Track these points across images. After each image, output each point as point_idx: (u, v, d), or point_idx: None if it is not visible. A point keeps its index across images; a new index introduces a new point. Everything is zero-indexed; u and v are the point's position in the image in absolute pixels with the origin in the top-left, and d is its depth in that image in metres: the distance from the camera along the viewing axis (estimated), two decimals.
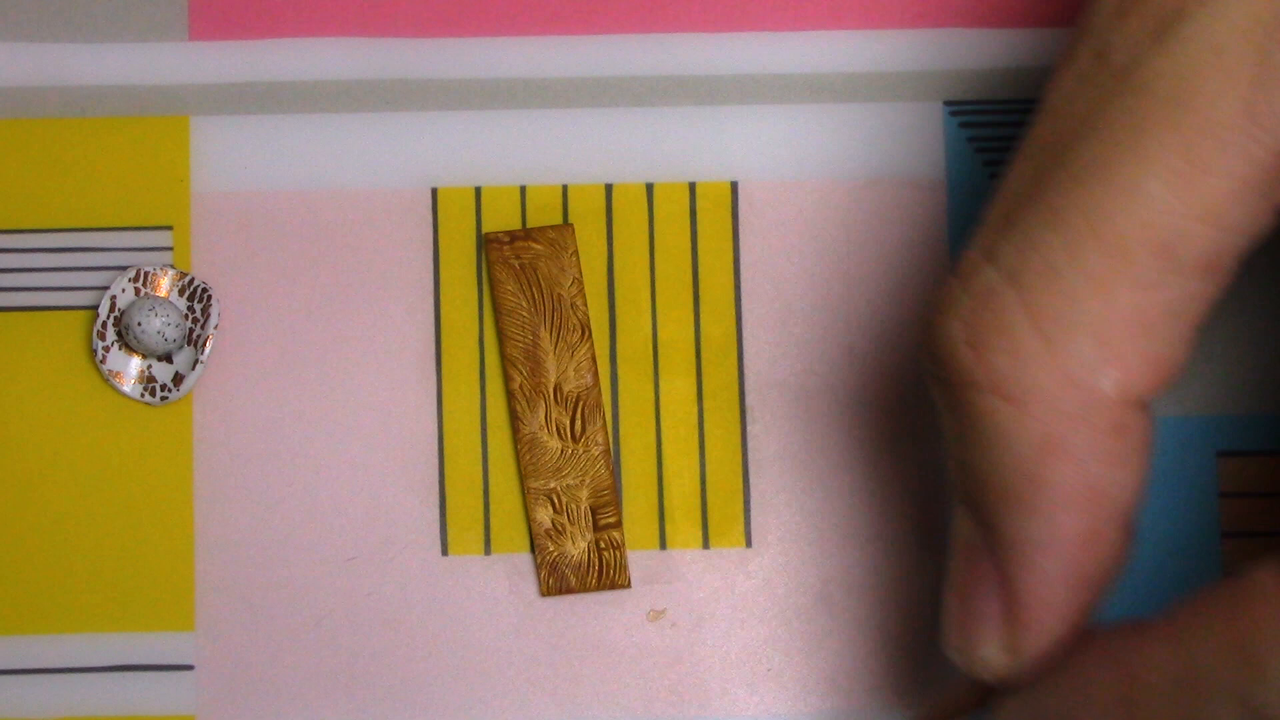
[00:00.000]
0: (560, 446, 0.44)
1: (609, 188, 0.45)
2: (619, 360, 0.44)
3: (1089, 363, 0.33)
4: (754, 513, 0.44)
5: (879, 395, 0.44)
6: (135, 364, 0.44)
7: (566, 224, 0.44)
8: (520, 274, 0.44)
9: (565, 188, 0.45)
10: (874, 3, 0.45)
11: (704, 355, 0.44)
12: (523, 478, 0.44)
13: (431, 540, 0.44)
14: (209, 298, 0.44)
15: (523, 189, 0.45)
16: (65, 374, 0.44)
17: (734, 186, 0.45)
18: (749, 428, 0.44)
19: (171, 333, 0.43)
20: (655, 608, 0.44)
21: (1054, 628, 0.34)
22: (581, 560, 0.43)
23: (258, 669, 0.43)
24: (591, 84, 0.45)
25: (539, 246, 0.44)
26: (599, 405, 0.44)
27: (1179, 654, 0.32)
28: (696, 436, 0.44)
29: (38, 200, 0.44)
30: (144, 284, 0.44)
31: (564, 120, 0.45)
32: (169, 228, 0.44)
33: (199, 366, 0.44)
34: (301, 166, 0.44)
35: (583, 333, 0.44)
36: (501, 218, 0.44)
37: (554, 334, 0.44)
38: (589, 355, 0.44)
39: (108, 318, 0.44)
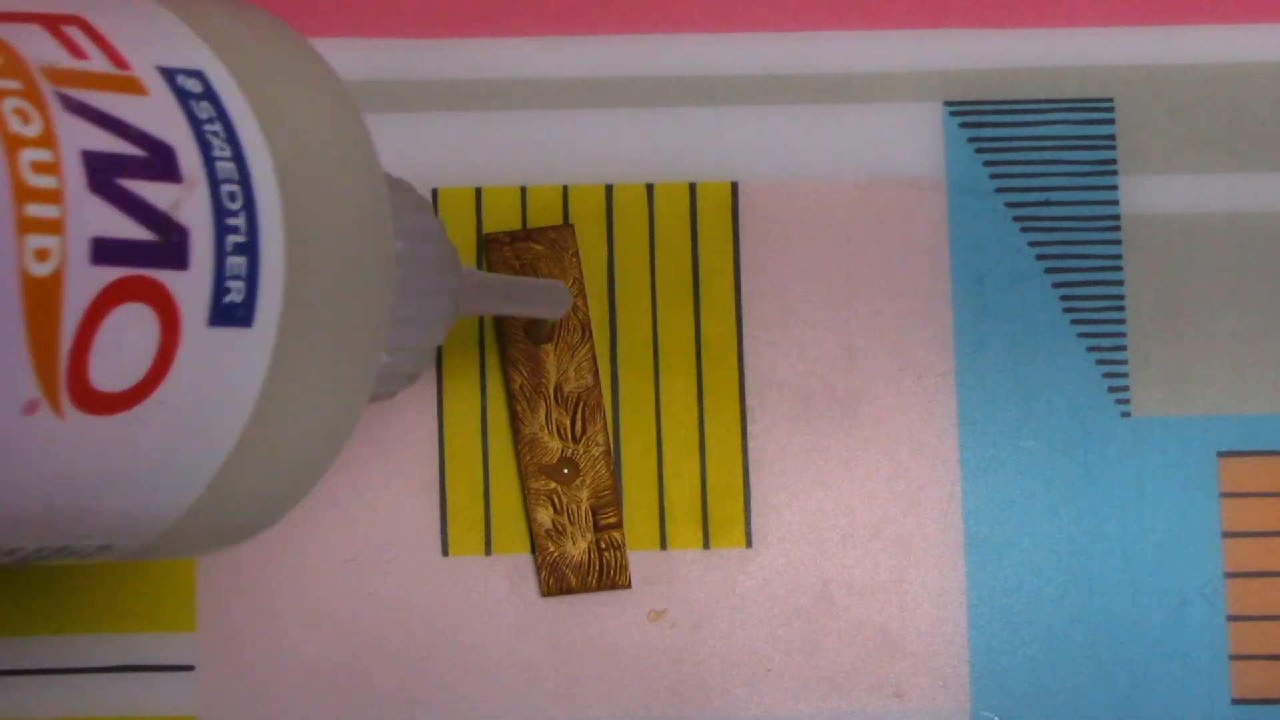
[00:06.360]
0: (561, 447, 0.44)
1: (609, 188, 0.45)
2: (619, 360, 0.44)
3: None
4: (754, 513, 0.44)
5: (879, 395, 0.44)
6: None
7: (567, 224, 0.44)
8: (521, 274, 0.44)
9: (565, 188, 0.45)
10: (874, 3, 0.45)
11: (704, 355, 0.44)
12: (523, 478, 0.44)
13: (432, 541, 0.44)
14: None
15: (523, 189, 0.45)
16: None
17: (734, 187, 0.45)
18: (749, 428, 0.44)
19: None
20: (655, 608, 0.44)
21: None
22: (582, 561, 0.43)
23: (258, 669, 0.43)
24: (591, 84, 0.45)
25: (539, 247, 0.44)
26: (599, 405, 0.44)
27: None
28: (696, 436, 0.44)
29: None
30: None
31: (564, 121, 0.45)
32: None
33: None
34: None
35: (583, 333, 0.44)
36: (502, 218, 0.44)
37: (554, 334, 0.44)
38: (589, 355, 0.44)
39: None
